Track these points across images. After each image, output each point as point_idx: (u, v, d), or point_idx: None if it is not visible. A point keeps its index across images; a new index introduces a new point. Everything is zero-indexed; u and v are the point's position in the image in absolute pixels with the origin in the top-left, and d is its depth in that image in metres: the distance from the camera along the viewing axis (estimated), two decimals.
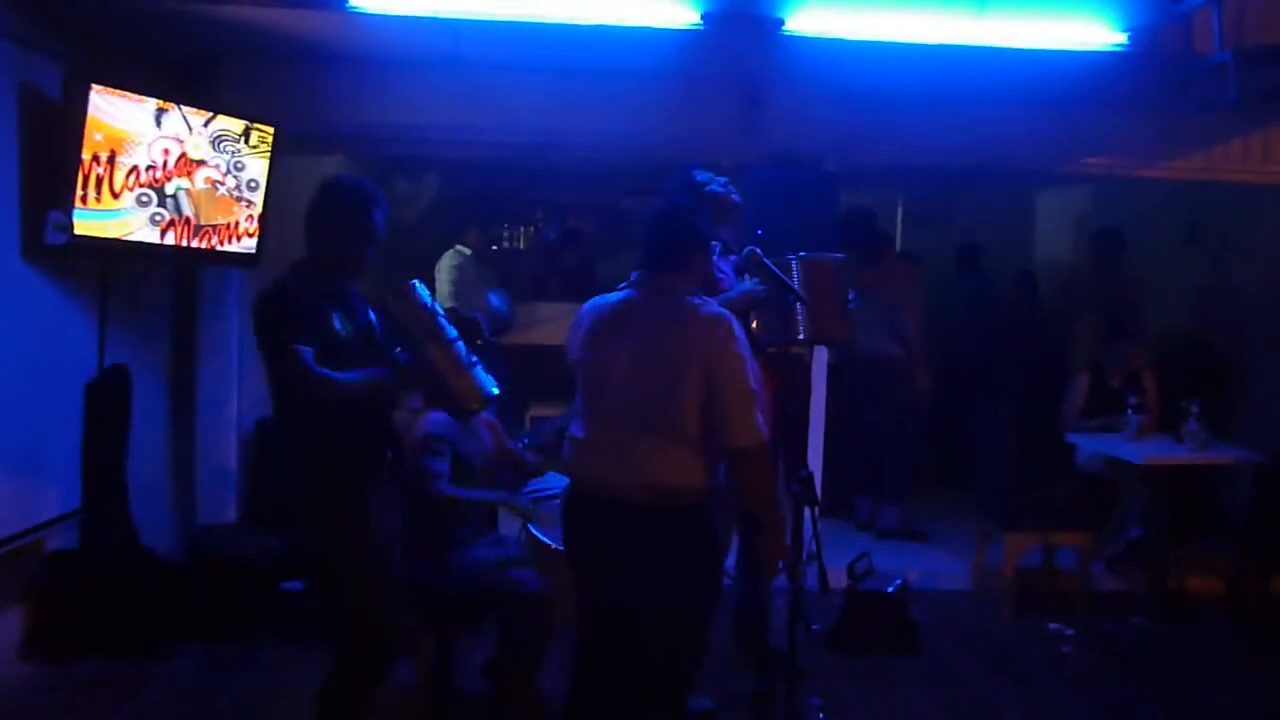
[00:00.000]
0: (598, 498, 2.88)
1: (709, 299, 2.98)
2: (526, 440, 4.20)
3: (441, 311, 3.07)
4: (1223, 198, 6.44)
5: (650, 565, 2.81)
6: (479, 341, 3.23)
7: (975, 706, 4.13)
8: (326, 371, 2.83)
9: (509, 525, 4.23)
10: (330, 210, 3.05)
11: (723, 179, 4.06)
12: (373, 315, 3.15)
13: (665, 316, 2.86)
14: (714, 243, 3.19)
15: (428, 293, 3.06)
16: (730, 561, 4.18)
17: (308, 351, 2.82)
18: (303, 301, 2.90)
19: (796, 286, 3.73)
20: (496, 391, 3.10)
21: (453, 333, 3.05)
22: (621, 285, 3.04)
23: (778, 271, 3.69)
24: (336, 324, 2.97)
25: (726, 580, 4.25)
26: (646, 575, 2.82)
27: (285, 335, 2.82)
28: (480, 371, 3.09)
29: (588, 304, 3.07)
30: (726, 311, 2.90)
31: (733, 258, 3.89)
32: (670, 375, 2.77)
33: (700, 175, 4.06)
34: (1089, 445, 5.56)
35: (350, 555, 3.00)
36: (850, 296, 4.00)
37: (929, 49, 4.70)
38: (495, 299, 4.81)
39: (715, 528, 2.99)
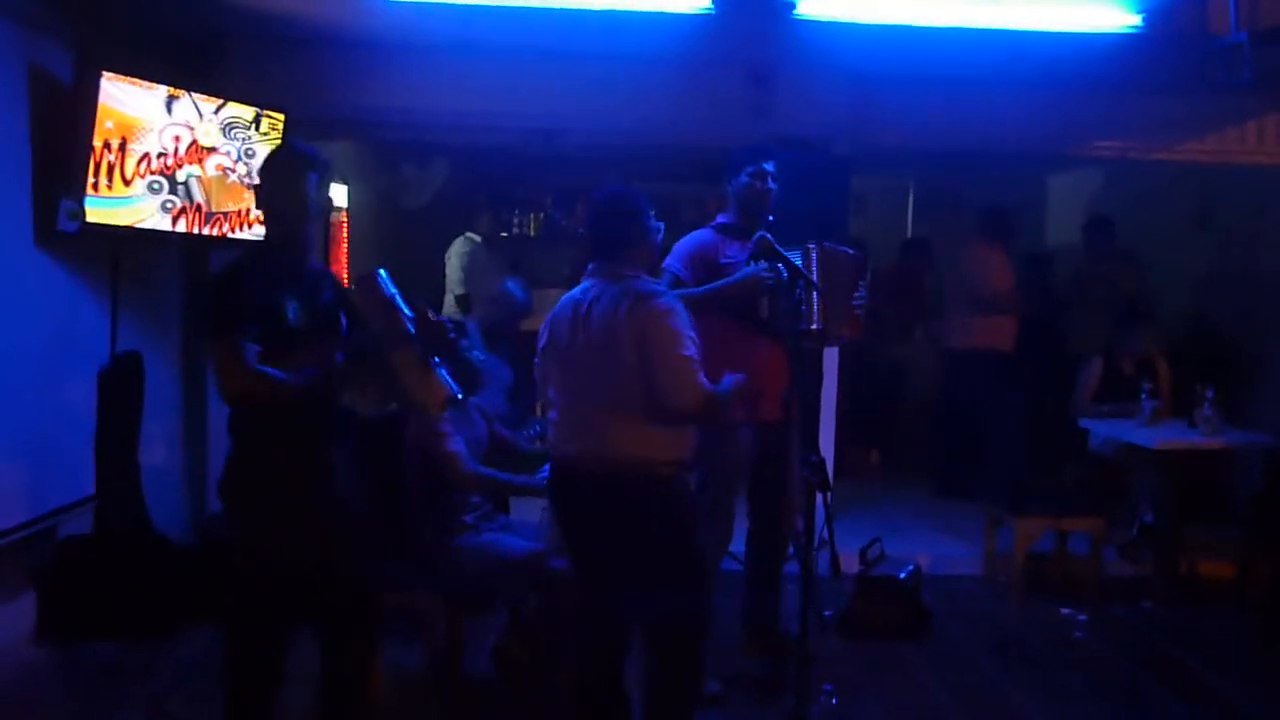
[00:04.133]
0: (573, 472, 3.10)
1: (649, 279, 3.14)
2: (538, 428, 4.20)
3: (405, 307, 2.84)
4: (1237, 181, 6.40)
5: (622, 533, 3.03)
6: (445, 341, 3.00)
7: (986, 691, 4.14)
8: (262, 368, 2.66)
9: (520, 510, 4.24)
10: (263, 181, 2.90)
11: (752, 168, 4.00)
12: (332, 296, 2.96)
13: (610, 300, 3.04)
14: (657, 224, 3.23)
15: (392, 284, 2.85)
16: (739, 547, 4.20)
17: (250, 348, 2.65)
18: (254, 288, 2.72)
19: (814, 274, 3.72)
20: (460, 396, 2.92)
21: (411, 330, 2.82)
22: (585, 277, 3.20)
23: (789, 257, 3.67)
24: (289, 312, 2.77)
25: (736, 565, 4.27)
26: (620, 543, 3.05)
27: (227, 324, 2.67)
28: (442, 373, 2.88)
29: (561, 299, 3.23)
30: (661, 289, 3.10)
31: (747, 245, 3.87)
32: (615, 354, 2.98)
33: (752, 165, 3.98)
34: (1102, 430, 5.54)
35: (265, 544, 2.84)
36: (860, 295, 3.96)
37: (941, 32, 4.68)
38: (514, 286, 4.79)
39: (686, 499, 3.13)
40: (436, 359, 2.86)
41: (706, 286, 3.78)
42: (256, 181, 2.96)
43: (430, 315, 2.90)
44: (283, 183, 2.86)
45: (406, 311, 2.82)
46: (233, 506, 2.90)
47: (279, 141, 3.04)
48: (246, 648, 2.91)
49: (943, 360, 7.22)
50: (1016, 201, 8.09)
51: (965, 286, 6.61)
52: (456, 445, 3.66)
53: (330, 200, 2.94)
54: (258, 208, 2.97)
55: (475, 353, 3.81)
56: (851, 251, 4.02)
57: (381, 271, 2.84)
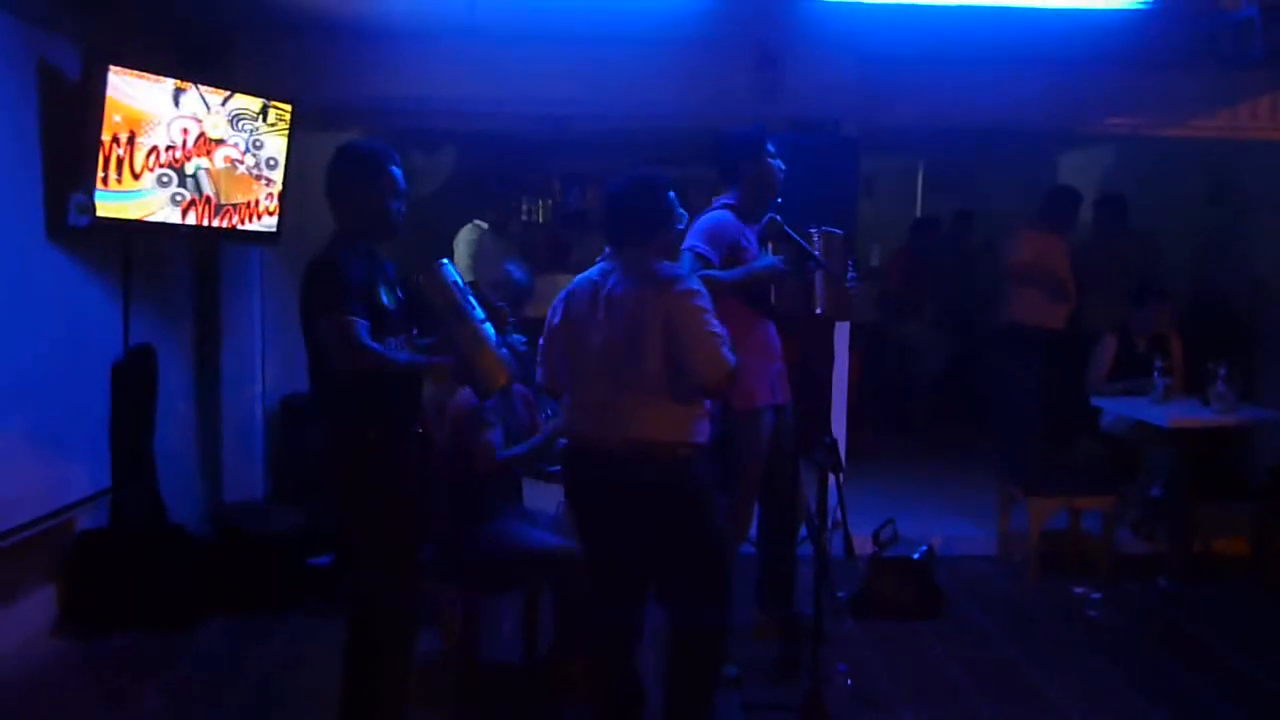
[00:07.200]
0: (589, 455, 3.11)
1: (668, 264, 3.12)
2: (550, 412, 4.21)
3: (470, 292, 3.09)
4: (1249, 157, 6.35)
5: (642, 515, 3.04)
6: (504, 325, 3.26)
7: (1001, 670, 4.14)
8: (375, 345, 2.87)
9: (533, 499, 4.25)
10: (348, 176, 3.06)
11: (771, 150, 3.95)
12: (400, 292, 3.16)
13: (631, 285, 3.04)
14: (682, 212, 3.21)
15: (456, 272, 3.08)
16: (753, 529, 4.21)
17: (362, 324, 2.85)
18: (354, 273, 2.92)
19: (818, 256, 3.72)
20: (518, 372, 3.20)
21: (480, 313, 3.08)
22: (598, 260, 3.19)
23: (800, 241, 3.66)
24: (382, 294, 3.00)
25: (750, 547, 4.28)
26: (639, 525, 3.06)
27: (338, 304, 2.85)
28: (505, 352, 3.15)
29: (573, 281, 3.22)
30: (682, 272, 3.10)
31: (756, 226, 3.87)
32: (638, 339, 2.98)
33: (769, 144, 3.95)
34: (1115, 408, 5.53)
35: (376, 520, 3.02)
36: (850, 275, 3.95)
37: (950, 9, 4.65)
38: (515, 269, 4.80)
39: (704, 481, 3.11)
40: (498, 339, 3.11)
41: (735, 271, 3.73)
42: (334, 178, 3.07)
43: (491, 301, 3.17)
44: (367, 178, 3.03)
45: (470, 296, 3.06)
46: (351, 484, 3.04)
47: (352, 140, 3.21)
48: (393, 613, 3.08)
49: (966, 337, 7.18)
50: (1028, 180, 8.09)
51: (1021, 269, 6.47)
52: (491, 437, 3.68)
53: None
54: (340, 200, 3.07)
55: (516, 337, 3.82)
56: (840, 231, 3.99)
57: (445, 261, 3.07)
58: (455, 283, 3.04)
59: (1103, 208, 6.77)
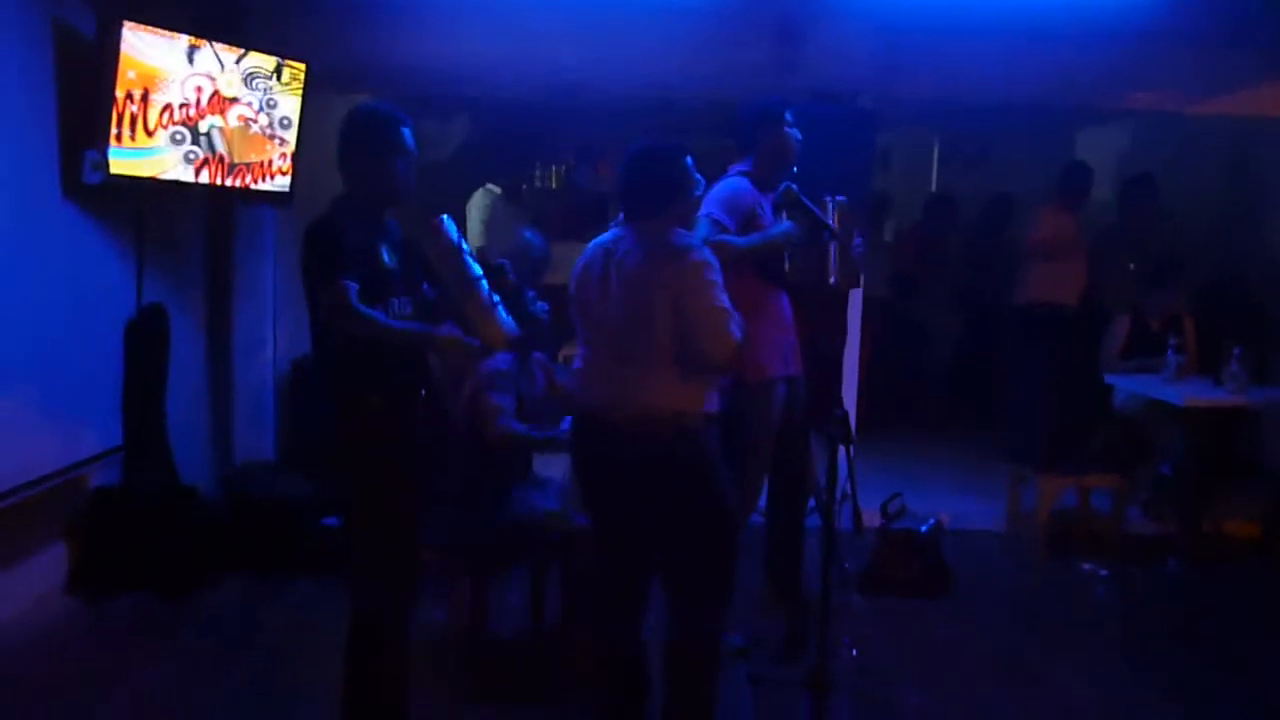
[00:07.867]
0: (595, 424, 3.08)
1: (681, 231, 3.06)
2: (563, 378, 4.20)
3: (469, 250, 3.03)
4: (1269, 137, 6.29)
5: (649, 486, 3.01)
6: (506, 285, 3.17)
7: (1007, 647, 4.14)
8: (368, 311, 2.82)
9: (543, 467, 4.25)
10: (357, 138, 3.01)
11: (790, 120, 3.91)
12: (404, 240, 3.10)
13: (643, 254, 2.99)
14: (699, 178, 3.16)
15: (456, 229, 3.02)
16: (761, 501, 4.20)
17: (353, 287, 2.80)
18: (351, 235, 2.88)
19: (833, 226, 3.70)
20: (518, 333, 3.10)
21: (478, 271, 3.02)
22: (611, 225, 3.16)
23: (816, 210, 3.64)
24: (384, 256, 2.96)
25: (758, 518, 4.28)
26: (647, 496, 3.03)
27: (332, 268, 2.81)
28: (502, 312, 3.07)
29: (587, 249, 3.18)
30: (695, 241, 3.04)
31: (771, 195, 3.84)
32: (647, 309, 2.94)
33: (789, 114, 3.90)
34: (1128, 386, 5.50)
35: (375, 490, 2.98)
36: (858, 243, 3.92)
37: None
38: (532, 236, 4.77)
39: (712, 451, 3.07)
40: (497, 298, 3.04)
41: (750, 238, 3.70)
42: (344, 140, 3.02)
43: (488, 259, 3.08)
44: (379, 140, 2.98)
45: (470, 255, 3.00)
46: (353, 452, 2.99)
47: (363, 102, 3.16)
48: (389, 593, 3.03)
49: (979, 315, 7.16)
50: (1045, 156, 8.00)
51: (1040, 247, 6.43)
52: (501, 401, 3.66)
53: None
54: (349, 163, 3.02)
55: (540, 305, 3.78)
56: (844, 199, 3.96)
57: (445, 217, 2.99)
58: (454, 240, 2.98)
59: (1133, 187, 6.70)
